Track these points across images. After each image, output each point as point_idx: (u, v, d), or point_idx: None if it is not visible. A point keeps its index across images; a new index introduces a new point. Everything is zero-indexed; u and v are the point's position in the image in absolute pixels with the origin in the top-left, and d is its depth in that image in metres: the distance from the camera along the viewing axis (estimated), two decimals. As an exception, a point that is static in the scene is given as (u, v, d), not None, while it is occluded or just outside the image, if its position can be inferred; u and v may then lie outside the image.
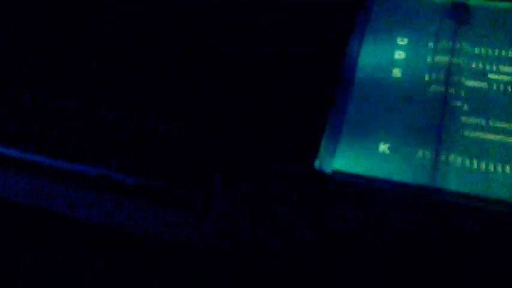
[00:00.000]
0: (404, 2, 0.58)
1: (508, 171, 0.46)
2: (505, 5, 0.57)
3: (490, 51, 0.54)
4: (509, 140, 0.48)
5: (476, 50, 0.55)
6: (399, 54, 0.55)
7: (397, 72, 0.53)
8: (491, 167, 0.46)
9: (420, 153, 0.47)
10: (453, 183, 0.45)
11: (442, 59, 0.54)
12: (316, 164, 0.46)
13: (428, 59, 0.54)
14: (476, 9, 0.57)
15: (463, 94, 0.51)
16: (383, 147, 0.48)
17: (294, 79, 0.55)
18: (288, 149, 0.49)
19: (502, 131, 0.48)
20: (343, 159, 0.47)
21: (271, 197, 0.46)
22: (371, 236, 0.43)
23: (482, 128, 0.49)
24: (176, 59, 0.56)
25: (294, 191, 0.46)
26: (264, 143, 0.50)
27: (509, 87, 0.52)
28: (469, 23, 0.56)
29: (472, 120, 0.49)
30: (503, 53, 0.54)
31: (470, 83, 0.52)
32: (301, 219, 0.45)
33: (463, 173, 0.46)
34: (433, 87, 0.52)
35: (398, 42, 0.56)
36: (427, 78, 0.53)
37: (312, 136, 0.49)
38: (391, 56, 0.55)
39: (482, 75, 0.52)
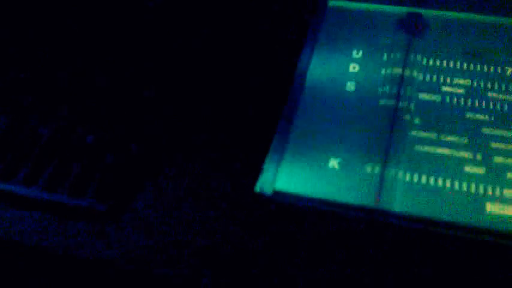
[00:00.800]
0: (358, 13, 0.58)
1: (457, 188, 0.46)
2: (460, 15, 0.57)
3: (444, 63, 0.54)
4: (459, 155, 0.48)
5: (430, 62, 0.54)
6: (353, 67, 0.55)
7: (350, 86, 0.53)
8: (440, 183, 0.47)
9: (368, 169, 0.47)
10: (399, 203, 0.45)
11: (395, 71, 0.53)
12: (257, 185, 0.46)
13: (382, 72, 0.54)
14: (430, 20, 0.57)
15: (414, 108, 0.51)
16: (333, 163, 0.48)
17: (241, 94, 0.54)
18: (232, 169, 0.49)
19: (453, 145, 0.48)
20: (286, 179, 0.46)
21: (211, 221, 0.46)
22: (312, 262, 0.43)
23: (433, 143, 0.49)
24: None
25: (234, 215, 0.46)
26: (208, 163, 0.49)
27: (462, 99, 0.52)
28: (423, 35, 0.56)
29: (423, 134, 0.49)
30: (458, 64, 0.54)
31: (423, 96, 0.52)
32: (241, 244, 0.45)
33: (410, 191, 0.46)
34: (384, 101, 0.52)
35: (353, 55, 0.55)
36: (380, 91, 0.52)
37: (259, 155, 0.49)
38: (345, 69, 0.54)
39: (435, 88, 0.52)
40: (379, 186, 0.45)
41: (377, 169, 0.47)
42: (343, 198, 0.45)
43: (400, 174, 0.47)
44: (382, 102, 0.52)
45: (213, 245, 0.45)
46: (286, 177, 0.46)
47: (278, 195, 0.45)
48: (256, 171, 0.48)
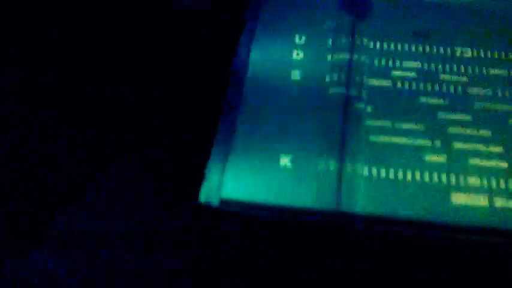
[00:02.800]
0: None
1: (419, 179, 0.43)
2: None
3: (392, 45, 0.50)
4: (417, 143, 0.45)
5: (378, 45, 0.51)
6: (297, 54, 0.50)
7: (296, 75, 0.49)
8: (401, 176, 0.43)
9: (323, 165, 0.43)
10: (361, 203, 0.41)
11: (342, 57, 0.49)
12: (201, 195, 0.40)
13: (329, 58, 0.50)
14: (375, 1, 0.53)
15: (365, 95, 0.47)
16: (284, 161, 0.43)
17: (177, 92, 0.51)
18: (173, 179, 0.44)
19: (410, 133, 0.45)
20: (233, 185, 0.41)
21: (154, 237, 0.41)
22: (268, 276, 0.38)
23: (388, 132, 0.45)
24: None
25: (179, 229, 0.41)
26: (145, 173, 0.46)
27: (414, 83, 0.48)
28: (368, 16, 0.52)
29: (377, 123, 0.45)
30: (406, 47, 0.50)
31: (373, 81, 0.48)
32: (186, 263, 0.40)
33: (371, 188, 0.42)
34: (334, 89, 0.47)
35: (295, 41, 0.51)
36: (327, 79, 0.48)
37: (200, 160, 0.44)
38: (288, 56, 0.50)
39: (385, 72, 0.49)
40: (338, 185, 0.41)
41: (333, 165, 0.43)
42: (300, 203, 0.40)
43: (359, 169, 0.42)
44: (331, 90, 0.48)
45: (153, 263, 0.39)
46: (233, 182, 0.41)
47: (225, 204, 0.40)
48: (198, 178, 0.43)
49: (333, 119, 0.46)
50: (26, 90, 0.52)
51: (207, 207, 0.40)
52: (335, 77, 0.48)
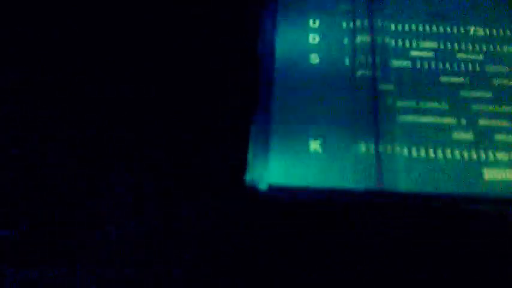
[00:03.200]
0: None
1: (449, 157, 0.42)
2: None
3: (407, 27, 0.51)
4: (444, 121, 0.45)
5: (393, 27, 0.51)
6: (313, 38, 0.50)
7: (315, 58, 0.48)
8: (432, 154, 0.43)
9: (358, 148, 0.42)
10: (402, 182, 0.41)
11: (360, 39, 0.50)
12: (248, 178, 0.40)
13: (345, 41, 0.50)
14: None
15: (388, 76, 0.48)
16: (314, 146, 0.42)
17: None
18: (213, 163, 0.43)
19: (435, 112, 0.45)
20: (277, 170, 0.41)
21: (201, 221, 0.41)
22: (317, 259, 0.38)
23: (415, 111, 0.45)
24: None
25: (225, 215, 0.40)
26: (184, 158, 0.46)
27: (433, 63, 0.48)
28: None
29: (403, 103, 0.46)
30: (422, 27, 0.51)
31: (394, 62, 0.48)
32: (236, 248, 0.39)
33: (409, 167, 0.42)
34: (357, 72, 0.48)
35: (310, 25, 0.51)
36: (347, 62, 0.48)
37: (239, 144, 0.44)
38: (305, 40, 0.49)
39: (404, 53, 0.49)
40: (378, 165, 0.40)
41: (370, 146, 0.43)
42: (343, 184, 0.39)
43: (394, 149, 0.42)
44: (356, 73, 0.48)
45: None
46: (277, 168, 0.42)
47: (272, 189, 0.40)
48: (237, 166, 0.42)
49: (361, 102, 0.46)
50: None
51: (254, 194, 0.39)
52: (356, 59, 0.48)
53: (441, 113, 0.45)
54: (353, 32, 0.50)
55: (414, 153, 0.43)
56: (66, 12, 0.58)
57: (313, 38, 0.50)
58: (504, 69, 0.48)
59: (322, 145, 0.43)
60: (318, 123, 0.44)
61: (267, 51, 0.48)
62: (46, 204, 0.46)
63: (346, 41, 0.49)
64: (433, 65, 0.48)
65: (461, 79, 0.47)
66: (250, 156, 0.43)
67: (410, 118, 0.45)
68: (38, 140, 0.49)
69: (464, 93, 0.46)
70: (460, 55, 0.49)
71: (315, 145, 0.43)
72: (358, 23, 0.51)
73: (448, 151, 0.43)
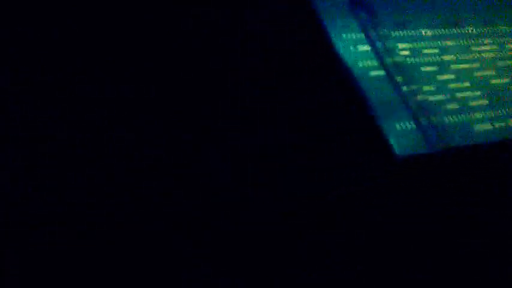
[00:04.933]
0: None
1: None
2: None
3: (392, 33, 0.64)
4: (436, 98, 0.59)
5: (385, 32, 0.63)
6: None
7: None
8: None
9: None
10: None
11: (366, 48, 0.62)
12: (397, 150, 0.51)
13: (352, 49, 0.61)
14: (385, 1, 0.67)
15: (397, 69, 0.60)
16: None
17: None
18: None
19: (428, 92, 0.60)
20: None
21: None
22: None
23: (419, 93, 0.59)
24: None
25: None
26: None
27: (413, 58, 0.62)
28: (376, 14, 0.65)
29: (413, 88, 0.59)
30: (404, 32, 0.65)
31: (393, 60, 0.61)
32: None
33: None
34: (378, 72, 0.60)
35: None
36: (360, 64, 0.60)
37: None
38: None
39: (391, 52, 0.61)
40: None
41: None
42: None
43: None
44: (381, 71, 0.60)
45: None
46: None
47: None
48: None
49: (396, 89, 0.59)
50: (26, 90, 0.51)
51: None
52: (373, 61, 0.60)
53: (433, 93, 0.61)
54: (364, 42, 0.63)
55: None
56: (66, 12, 0.58)
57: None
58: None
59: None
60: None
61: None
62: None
63: (360, 48, 0.62)
64: (414, 60, 0.63)
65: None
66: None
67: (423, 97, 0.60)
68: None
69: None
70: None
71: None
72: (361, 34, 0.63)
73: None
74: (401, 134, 0.55)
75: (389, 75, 0.59)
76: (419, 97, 0.58)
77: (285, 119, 0.53)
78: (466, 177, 0.53)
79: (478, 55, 0.65)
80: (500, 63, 0.65)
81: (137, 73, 0.53)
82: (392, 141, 0.53)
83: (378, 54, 0.60)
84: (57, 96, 0.51)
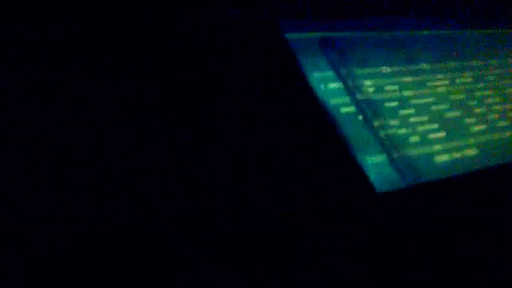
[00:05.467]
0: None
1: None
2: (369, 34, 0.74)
3: (357, 71, 0.69)
4: (400, 132, 0.64)
5: (352, 70, 0.68)
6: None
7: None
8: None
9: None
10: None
11: (337, 85, 0.67)
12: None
13: (332, 85, 0.66)
14: (350, 41, 0.72)
15: (364, 106, 0.65)
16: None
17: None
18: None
19: (392, 127, 0.65)
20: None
21: None
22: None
23: (386, 128, 0.64)
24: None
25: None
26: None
27: (377, 94, 0.67)
28: (344, 52, 0.69)
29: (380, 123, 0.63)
30: (366, 71, 0.70)
31: (361, 96, 0.66)
32: None
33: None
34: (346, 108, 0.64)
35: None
36: (333, 101, 0.65)
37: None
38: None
39: (358, 89, 0.67)
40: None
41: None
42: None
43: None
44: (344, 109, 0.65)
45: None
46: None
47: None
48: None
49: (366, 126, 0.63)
50: (26, 90, 0.51)
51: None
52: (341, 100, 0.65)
53: (395, 128, 0.65)
54: (336, 79, 0.67)
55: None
56: (66, 13, 0.58)
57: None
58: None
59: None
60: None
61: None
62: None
63: (322, 87, 0.65)
64: (377, 96, 0.69)
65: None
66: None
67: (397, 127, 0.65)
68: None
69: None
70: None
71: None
72: (337, 71, 0.67)
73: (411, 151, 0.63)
74: (372, 168, 0.59)
75: (358, 111, 0.64)
76: (386, 132, 0.63)
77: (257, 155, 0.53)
78: (437, 209, 0.56)
79: (433, 90, 0.71)
80: (453, 97, 0.72)
81: (137, 73, 0.53)
82: (370, 175, 0.57)
83: (346, 91, 0.65)
84: (57, 96, 0.51)
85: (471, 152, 0.66)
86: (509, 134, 0.70)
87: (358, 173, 0.55)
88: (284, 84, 0.61)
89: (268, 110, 0.57)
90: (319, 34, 0.69)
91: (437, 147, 0.65)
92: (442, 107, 0.70)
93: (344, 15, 0.72)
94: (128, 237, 0.45)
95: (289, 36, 0.66)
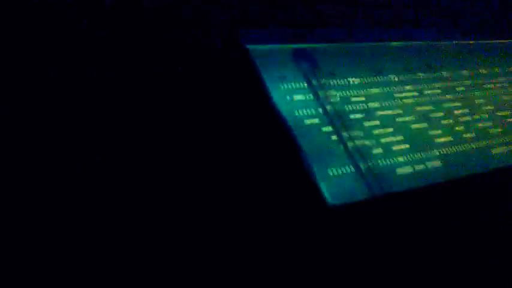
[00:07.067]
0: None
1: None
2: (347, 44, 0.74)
3: (324, 82, 0.69)
4: (366, 143, 0.65)
5: (329, 83, 0.68)
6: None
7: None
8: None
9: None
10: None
11: (307, 97, 0.67)
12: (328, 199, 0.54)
13: (288, 99, 0.66)
14: (316, 52, 0.72)
15: (329, 117, 0.65)
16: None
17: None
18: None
19: (356, 138, 0.66)
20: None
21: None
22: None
23: (350, 140, 0.64)
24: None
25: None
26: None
27: (343, 106, 0.68)
28: (317, 65, 0.69)
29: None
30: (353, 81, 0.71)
31: (326, 107, 0.66)
32: None
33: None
34: (310, 121, 0.64)
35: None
36: (298, 113, 0.65)
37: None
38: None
39: (324, 101, 0.66)
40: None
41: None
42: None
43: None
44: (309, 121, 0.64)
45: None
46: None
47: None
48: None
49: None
50: (26, 90, 0.52)
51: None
52: (308, 112, 0.65)
53: (361, 138, 0.65)
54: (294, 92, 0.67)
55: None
56: (66, 12, 0.58)
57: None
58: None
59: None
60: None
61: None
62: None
63: (288, 98, 0.66)
64: (347, 107, 0.68)
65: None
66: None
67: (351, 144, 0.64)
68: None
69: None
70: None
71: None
72: (304, 83, 0.67)
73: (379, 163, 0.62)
74: (333, 179, 0.59)
75: (323, 123, 0.64)
76: (350, 143, 0.63)
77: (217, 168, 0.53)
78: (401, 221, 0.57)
79: (400, 102, 0.71)
80: (419, 109, 0.71)
81: (137, 73, 0.53)
82: (324, 187, 0.57)
83: (312, 102, 0.64)
84: (57, 96, 0.51)
85: (434, 163, 0.66)
86: (475, 145, 0.70)
87: (310, 186, 0.55)
88: (242, 97, 0.61)
89: (224, 122, 0.57)
90: (289, 46, 0.70)
91: (401, 159, 0.65)
92: (407, 118, 0.70)
93: (314, 25, 0.73)
94: (127, 237, 0.45)
95: (251, 47, 0.66)
